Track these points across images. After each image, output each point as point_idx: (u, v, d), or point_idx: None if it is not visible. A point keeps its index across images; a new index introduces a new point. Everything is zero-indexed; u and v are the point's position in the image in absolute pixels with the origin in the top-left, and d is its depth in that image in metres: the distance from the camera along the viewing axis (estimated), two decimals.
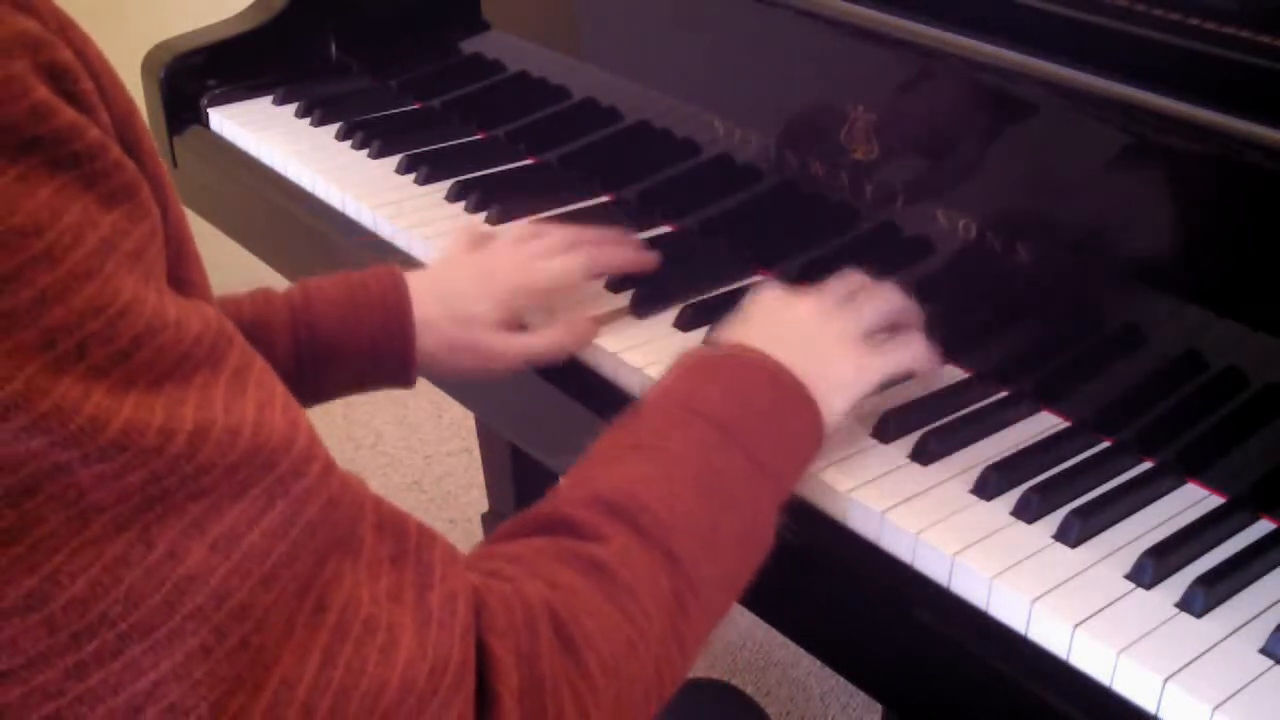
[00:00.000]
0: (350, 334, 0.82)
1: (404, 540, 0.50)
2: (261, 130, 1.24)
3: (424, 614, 0.48)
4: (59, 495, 0.40)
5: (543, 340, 0.89)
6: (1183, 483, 0.78)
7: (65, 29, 0.43)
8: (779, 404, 0.69)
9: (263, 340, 0.81)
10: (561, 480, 0.63)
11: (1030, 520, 0.74)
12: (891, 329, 0.82)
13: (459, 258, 0.91)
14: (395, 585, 0.49)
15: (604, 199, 1.11)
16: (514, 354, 0.87)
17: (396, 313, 0.83)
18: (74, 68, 0.42)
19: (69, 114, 0.41)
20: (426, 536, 0.51)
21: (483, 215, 1.08)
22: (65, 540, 0.40)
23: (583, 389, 0.89)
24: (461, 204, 1.10)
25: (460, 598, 0.50)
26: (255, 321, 0.81)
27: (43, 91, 0.40)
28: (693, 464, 0.63)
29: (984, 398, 0.84)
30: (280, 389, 0.47)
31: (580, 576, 0.55)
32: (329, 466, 0.47)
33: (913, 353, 0.79)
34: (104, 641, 0.41)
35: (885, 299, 0.81)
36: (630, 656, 0.55)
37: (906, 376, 0.81)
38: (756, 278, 0.99)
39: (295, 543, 0.45)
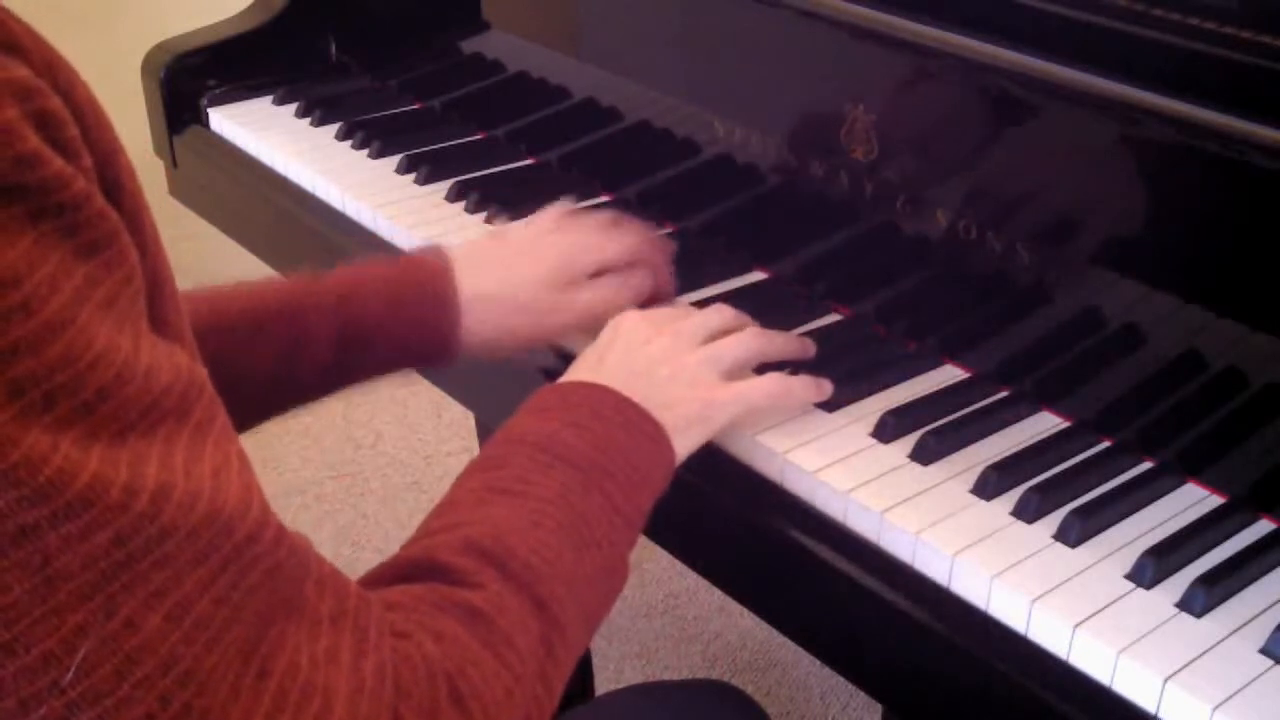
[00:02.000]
0: (395, 322, 0.82)
1: (344, 600, 0.51)
2: (261, 130, 1.24)
3: (358, 680, 0.49)
4: (25, 562, 0.40)
5: (603, 289, 0.87)
6: (1183, 483, 0.78)
7: (53, 68, 0.43)
8: (634, 444, 0.70)
9: (303, 330, 0.80)
10: (426, 521, 0.64)
11: (1030, 520, 0.74)
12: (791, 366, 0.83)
13: (497, 236, 0.91)
14: (333, 647, 0.49)
15: (604, 199, 1.11)
16: (574, 306, 0.86)
17: (440, 303, 0.83)
18: (61, 114, 0.42)
19: (56, 164, 0.41)
20: (364, 601, 0.52)
21: (482, 215, 1.08)
22: (28, 610, 0.40)
23: None
24: (461, 204, 1.10)
25: (388, 667, 0.51)
26: (297, 310, 0.80)
27: (33, 141, 0.40)
28: (556, 508, 0.64)
29: (984, 398, 0.84)
30: (236, 450, 0.48)
31: (461, 626, 0.56)
32: (279, 533, 0.48)
33: (765, 389, 0.78)
34: (51, 708, 0.41)
35: (747, 340, 0.80)
36: (508, 703, 0.56)
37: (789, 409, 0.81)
38: (756, 277, 0.99)
39: (238, 606, 0.45)
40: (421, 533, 0.63)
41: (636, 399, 0.72)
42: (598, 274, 0.89)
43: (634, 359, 0.76)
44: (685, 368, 0.76)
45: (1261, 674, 0.64)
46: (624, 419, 0.71)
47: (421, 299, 0.83)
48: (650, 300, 0.92)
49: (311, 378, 0.82)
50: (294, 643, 0.47)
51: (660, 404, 0.73)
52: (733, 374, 0.79)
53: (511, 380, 0.91)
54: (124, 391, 0.42)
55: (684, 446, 0.74)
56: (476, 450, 1.79)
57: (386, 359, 0.84)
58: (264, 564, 0.46)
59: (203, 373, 0.48)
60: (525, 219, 0.93)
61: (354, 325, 0.81)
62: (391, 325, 0.82)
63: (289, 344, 0.80)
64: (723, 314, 0.83)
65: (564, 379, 0.76)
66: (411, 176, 1.15)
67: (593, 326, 0.85)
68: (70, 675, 0.41)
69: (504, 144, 1.22)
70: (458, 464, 2.06)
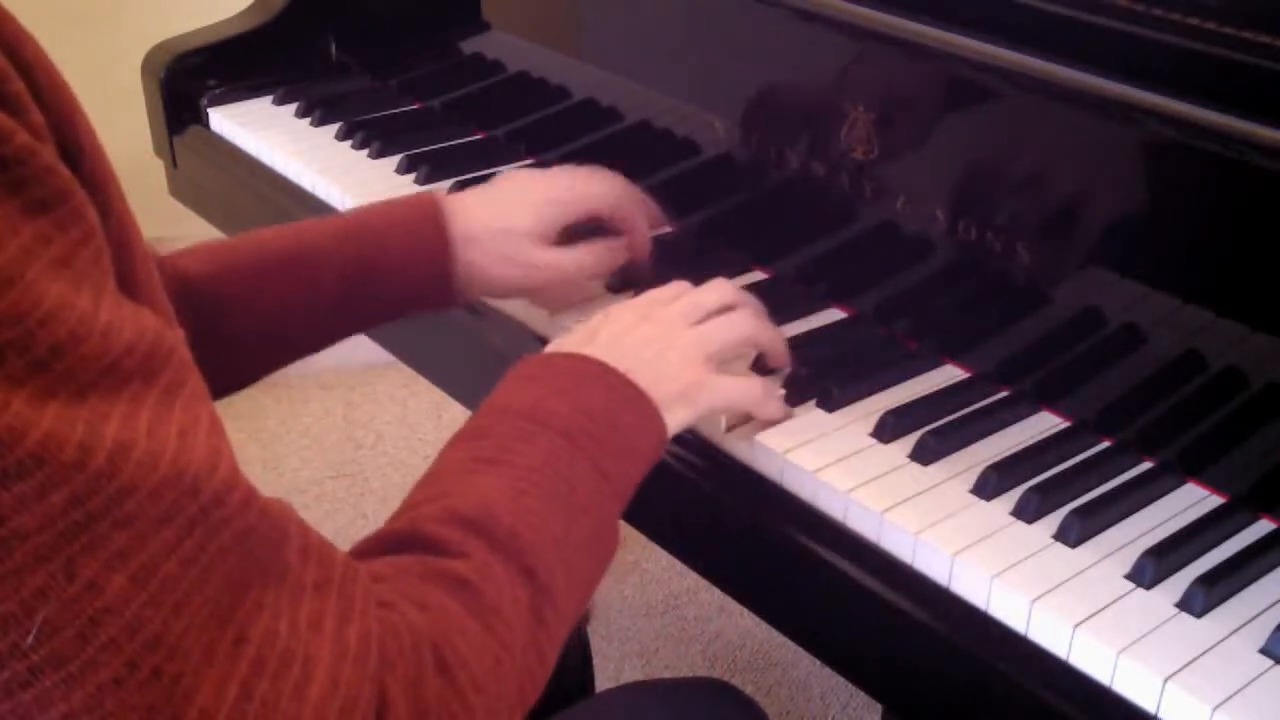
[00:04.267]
0: (391, 264, 0.85)
1: (330, 568, 0.50)
2: (261, 130, 1.24)
3: (341, 648, 0.48)
4: None
5: (582, 254, 0.91)
6: (1183, 483, 0.78)
7: None
8: (620, 411, 0.70)
9: (309, 267, 0.83)
10: (411, 493, 0.63)
11: (1030, 520, 0.74)
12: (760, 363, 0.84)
13: (496, 181, 0.94)
14: (317, 613, 0.48)
15: None
16: (554, 265, 0.90)
17: (433, 238, 0.86)
18: (1, 69, 0.41)
19: None
20: (351, 569, 0.51)
21: None
22: None
23: None
24: None
25: (374, 637, 0.50)
26: (303, 249, 0.84)
27: None
28: (542, 475, 0.64)
29: (984, 398, 0.84)
30: (207, 413, 0.47)
31: (448, 596, 0.55)
32: (249, 495, 0.47)
33: (745, 391, 0.78)
34: (14, 672, 0.41)
35: (737, 323, 0.80)
36: (497, 673, 0.55)
37: (748, 414, 0.81)
38: (756, 277, 0.99)
39: (206, 569, 0.45)
40: (406, 505, 0.62)
41: (623, 370, 0.71)
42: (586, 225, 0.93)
43: (623, 338, 0.76)
44: (674, 348, 0.76)
45: (1261, 674, 0.64)
46: (611, 388, 0.70)
47: (416, 236, 0.86)
48: (627, 266, 0.96)
49: (324, 317, 0.85)
50: (273, 609, 0.47)
51: (648, 381, 0.72)
52: (721, 354, 0.78)
53: None
54: (79, 349, 0.42)
55: (673, 422, 0.74)
56: None
57: (391, 298, 0.87)
58: (234, 526, 0.46)
59: (174, 335, 0.47)
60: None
61: (355, 264, 0.84)
62: (391, 263, 0.85)
63: (298, 284, 0.83)
64: (718, 291, 0.82)
65: (550, 349, 0.76)
66: (411, 176, 1.15)
67: (568, 287, 0.91)
68: (31, 639, 0.40)
69: (504, 144, 1.22)
70: None
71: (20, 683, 0.41)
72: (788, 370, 0.86)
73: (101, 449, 0.41)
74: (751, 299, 0.83)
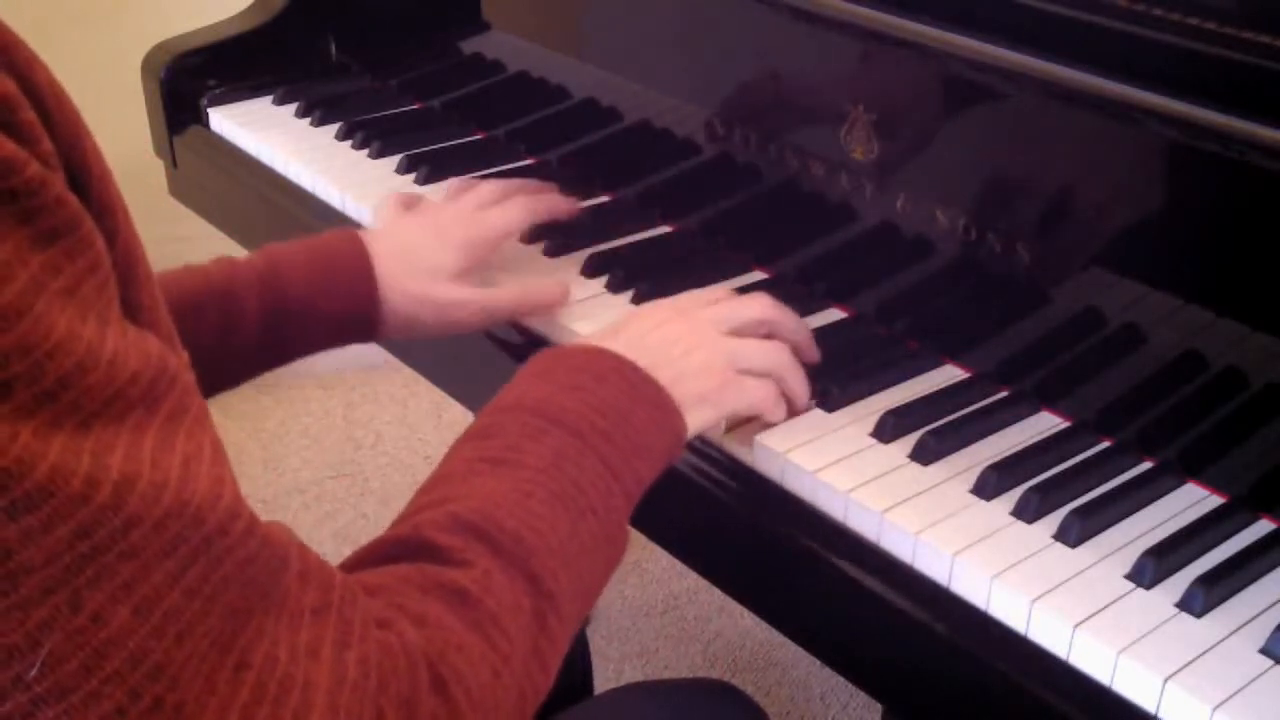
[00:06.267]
0: (317, 297, 0.85)
1: (328, 592, 0.50)
2: (261, 130, 1.24)
3: (340, 674, 0.48)
4: None
5: (504, 294, 0.91)
6: (1183, 483, 0.78)
7: (8, 50, 0.42)
8: (635, 408, 0.69)
9: (232, 308, 0.83)
10: (416, 496, 0.63)
11: (1030, 520, 0.74)
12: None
13: (405, 218, 0.94)
14: (315, 639, 0.48)
15: (605, 199, 1.11)
16: (475, 305, 0.89)
17: (361, 273, 0.86)
18: (14, 97, 0.41)
19: (8, 148, 0.40)
20: (349, 591, 0.51)
21: None
22: None
23: None
24: None
25: (373, 660, 0.50)
26: (225, 290, 0.83)
27: None
28: (549, 476, 0.63)
29: (984, 398, 0.84)
30: (210, 439, 0.47)
31: (445, 608, 0.55)
32: (252, 523, 0.47)
33: (769, 391, 0.78)
34: (16, 703, 0.41)
35: (772, 356, 0.79)
36: (495, 685, 0.55)
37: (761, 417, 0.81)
38: (756, 277, 0.99)
39: (210, 598, 0.45)
40: (410, 509, 0.62)
41: (643, 366, 0.71)
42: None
43: (648, 335, 0.75)
44: (701, 347, 0.75)
45: (1261, 674, 0.64)
46: (627, 383, 0.69)
47: (341, 274, 0.86)
48: (552, 218, 0.99)
49: (246, 354, 0.85)
50: (273, 635, 0.47)
51: (669, 378, 0.71)
52: (748, 374, 0.78)
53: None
54: (86, 380, 0.42)
55: (693, 422, 0.73)
56: None
57: (315, 333, 0.86)
58: (236, 555, 0.46)
59: (178, 360, 0.47)
60: (427, 201, 0.99)
61: (278, 302, 0.84)
62: (315, 300, 0.85)
63: (221, 322, 0.82)
64: (760, 305, 0.81)
65: (572, 344, 0.75)
66: (411, 176, 1.15)
67: (490, 324, 0.92)
68: (35, 670, 0.40)
69: (504, 144, 1.22)
70: None
71: (22, 714, 0.41)
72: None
73: (107, 481, 0.41)
74: (792, 316, 0.83)
